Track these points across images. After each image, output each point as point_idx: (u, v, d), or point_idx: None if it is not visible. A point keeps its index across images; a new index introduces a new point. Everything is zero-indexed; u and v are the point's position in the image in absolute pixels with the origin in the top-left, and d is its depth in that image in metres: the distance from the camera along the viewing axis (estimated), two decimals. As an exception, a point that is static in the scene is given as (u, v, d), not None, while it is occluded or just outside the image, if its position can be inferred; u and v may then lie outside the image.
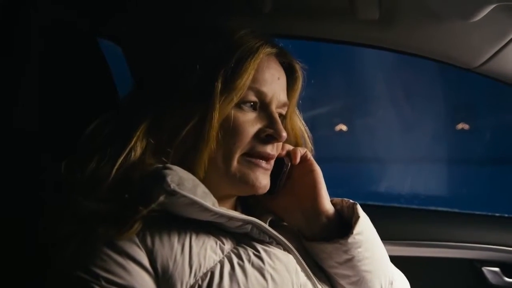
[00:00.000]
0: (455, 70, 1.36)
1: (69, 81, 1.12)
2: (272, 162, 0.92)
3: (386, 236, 1.56)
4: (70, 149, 0.82)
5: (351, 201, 0.96)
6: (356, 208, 0.93)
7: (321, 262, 0.93)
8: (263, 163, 0.89)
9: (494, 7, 0.98)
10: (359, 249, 0.89)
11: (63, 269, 0.74)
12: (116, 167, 0.79)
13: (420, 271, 1.60)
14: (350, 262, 0.89)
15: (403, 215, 1.77)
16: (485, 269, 1.63)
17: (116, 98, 1.28)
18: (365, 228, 0.91)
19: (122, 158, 0.79)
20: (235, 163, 0.86)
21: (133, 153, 0.80)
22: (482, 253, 1.63)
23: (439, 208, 1.79)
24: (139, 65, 1.35)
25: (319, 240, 0.91)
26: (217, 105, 0.82)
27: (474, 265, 1.65)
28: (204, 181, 0.83)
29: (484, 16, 1.02)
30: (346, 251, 0.88)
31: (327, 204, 0.94)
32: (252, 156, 0.88)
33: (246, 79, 0.85)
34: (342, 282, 0.93)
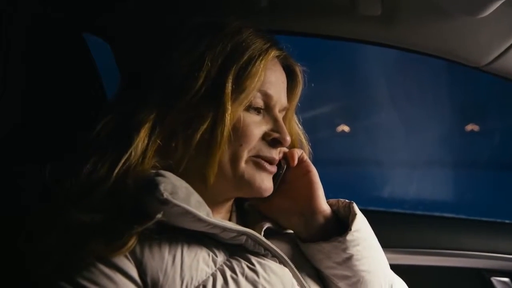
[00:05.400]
0: (463, 68, 1.37)
1: (53, 79, 1.12)
2: (274, 165, 0.94)
3: (389, 244, 1.59)
4: (55, 151, 0.83)
5: (347, 200, 0.99)
6: (353, 207, 0.96)
7: (319, 264, 0.95)
8: (268, 166, 0.91)
9: (503, 2, 0.99)
10: (358, 247, 0.91)
11: (47, 279, 0.74)
12: (116, 170, 0.79)
13: (425, 281, 1.61)
14: (348, 261, 0.90)
15: (407, 222, 1.78)
16: (494, 279, 1.64)
17: (103, 97, 1.28)
18: (362, 226, 0.94)
19: (123, 161, 0.80)
20: (242, 164, 0.88)
21: (133, 156, 0.80)
22: (491, 262, 1.64)
23: (445, 215, 1.80)
24: (133, 63, 1.35)
25: (316, 241, 0.92)
26: (229, 107, 0.84)
27: (483, 275, 1.66)
28: (211, 185, 0.85)
29: (493, 12, 1.03)
30: (344, 249, 0.90)
31: (323, 204, 0.96)
32: (259, 158, 0.91)
33: (257, 80, 0.87)
34: (341, 284, 0.94)
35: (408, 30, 1.28)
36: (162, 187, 0.74)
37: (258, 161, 0.90)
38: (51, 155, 0.84)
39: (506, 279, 1.64)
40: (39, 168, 0.81)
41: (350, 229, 0.90)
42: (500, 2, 0.99)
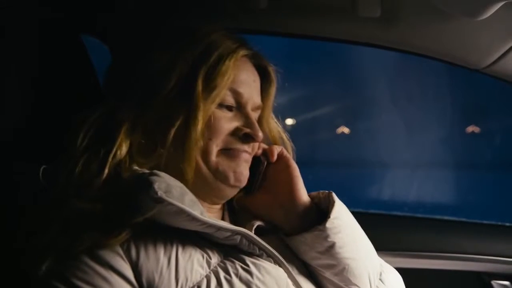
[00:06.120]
0: (463, 70, 1.37)
1: (51, 79, 1.12)
2: (247, 158, 0.97)
3: (389, 247, 1.59)
4: (52, 152, 0.83)
5: (326, 191, 1.01)
6: (332, 196, 0.98)
7: (304, 256, 0.96)
8: (240, 155, 0.95)
9: (503, 4, 0.99)
10: (339, 235, 0.93)
11: (41, 279, 0.75)
12: (107, 166, 0.82)
13: (425, 284, 1.61)
14: (332, 249, 0.92)
15: (407, 225, 1.78)
16: (495, 283, 1.65)
17: (101, 98, 1.28)
18: (342, 214, 0.96)
19: (110, 159, 0.82)
20: (213, 158, 0.91)
21: (119, 155, 0.84)
22: (491, 266, 1.64)
23: (446, 217, 1.81)
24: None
25: (299, 232, 0.94)
26: (201, 105, 0.88)
27: (483, 278, 1.66)
28: (192, 183, 0.87)
29: (492, 14, 1.03)
30: (326, 238, 0.92)
31: (303, 196, 0.99)
32: (231, 152, 0.94)
33: (226, 79, 0.91)
34: (327, 273, 0.95)
35: (408, 32, 1.29)
36: (156, 186, 0.75)
37: (228, 152, 0.93)
38: (49, 155, 0.84)
39: (506, 283, 1.64)
40: (37, 169, 0.82)
41: (329, 217, 0.92)
42: (500, 5, 0.99)
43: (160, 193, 0.75)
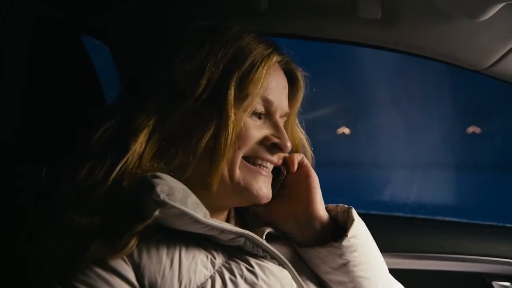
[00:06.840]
0: (464, 70, 1.37)
1: (51, 80, 1.13)
2: (270, 171, 0.95)
3: (390, 248, 1.60)
4: (53, 152, 0.83)
5: (346, 206, 0.99)
6: (351, 212, 0.96)
7: (315, 268, 0.95)
8: (263, 171, 0.92)
9: (504, 5, 1.00)
10: (355, 253, 0.91)
11: (43, 281, 0.75)
12: (113, 174, 0.79)
13: (426, 286, 1.61)
14: (345, 267, 0.91)
15: (408, 226, 1.78)
16: (496, 284, 1.64)
17: (102, 99, 1.29)
18: (360, 232, 0.94)
19: (120, 165, 0.80)
20: (237, 170, 0.89)
21: (130, 161, 0.81)
22: (492, 267, 1.64)
23: (447, 218, 1.81)
24: (133, 66, 1.35)
25: (313, 245, 0.93)
26: (232, 114, 0.84)
27: (484, 279, 1.66)
28: (215, 193, 0.86)
29: (493, 15, 1.04)
30: (340, 255, 0.90)
31: (321, 210, 0.96)
32: (254, 161, 0.91)
33: (260, 87, 0.88)
34: None
35: (408, 33, 1.29)
36: (158, 189, 0.74)
37: (251, 166, 0.90)
38: (49, 156, 0.84)
39: (507, 284, 1.64)
40: (38, 169, 0.82)
41: (346, 235, 0.90)
42: (500, 6, 1.00)
43: (162, 196, 0.74)
